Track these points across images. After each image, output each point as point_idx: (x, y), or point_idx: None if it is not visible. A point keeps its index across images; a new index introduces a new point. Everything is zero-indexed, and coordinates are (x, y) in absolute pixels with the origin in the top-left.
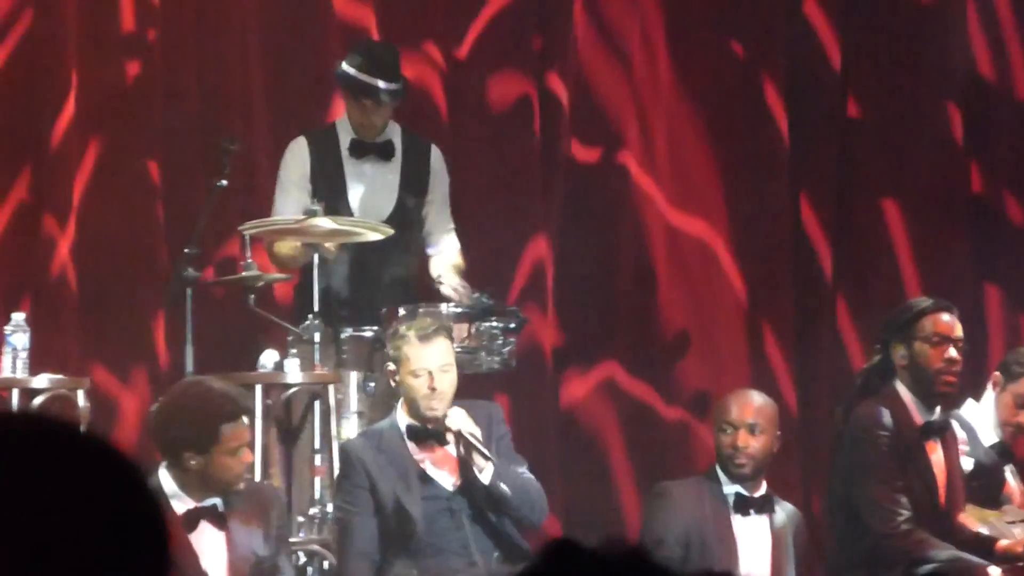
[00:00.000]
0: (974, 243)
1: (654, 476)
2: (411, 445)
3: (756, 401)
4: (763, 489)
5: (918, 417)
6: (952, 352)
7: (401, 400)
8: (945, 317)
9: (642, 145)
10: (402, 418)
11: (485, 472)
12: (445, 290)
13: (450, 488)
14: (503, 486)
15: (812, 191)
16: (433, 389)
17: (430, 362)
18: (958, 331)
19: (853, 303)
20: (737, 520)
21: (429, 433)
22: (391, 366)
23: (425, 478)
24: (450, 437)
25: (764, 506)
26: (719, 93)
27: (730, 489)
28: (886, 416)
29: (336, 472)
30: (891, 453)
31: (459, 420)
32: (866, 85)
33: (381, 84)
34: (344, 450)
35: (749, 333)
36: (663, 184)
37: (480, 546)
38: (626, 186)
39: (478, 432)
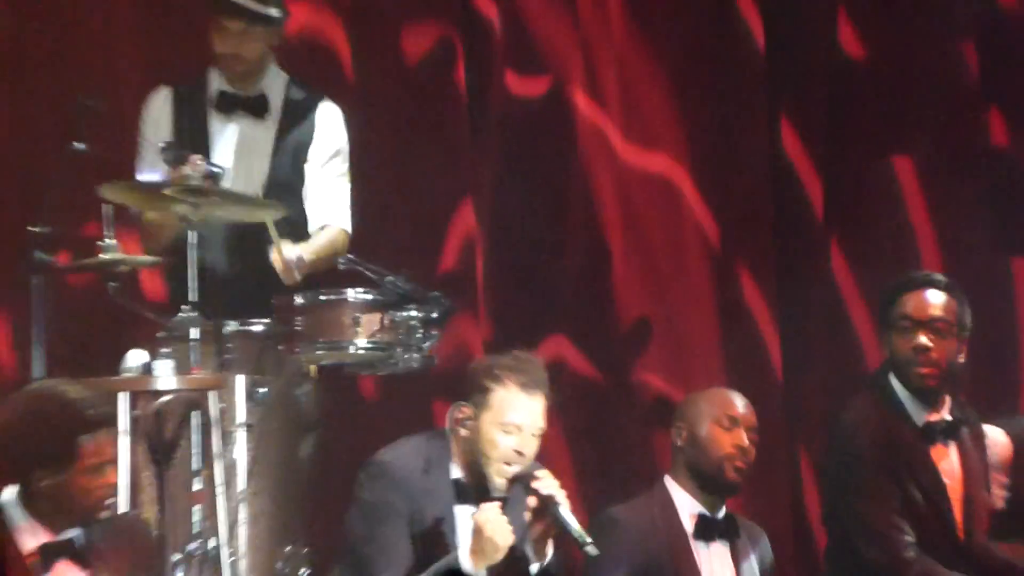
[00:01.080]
0: (994, 205)
1: (607, 491)
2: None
3: (741, 398)
4: (723, 509)
5: (917, 417)
6: (921, 339)
7: (457, 449)
8: (922, 296)
9: (587, 73)
10: (453, 469)
11: (542, 562)
12: (278, 263)
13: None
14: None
15: (797, 121)
16: (520, 454)
17: (527, 419)
18: (934, 310)
19: (851, 250)
20: (699, 548)
21: (481, 492)
22: (465, 409)
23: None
24: (529, 504)
25: (728, 530)
26: (680, 2)
27: (688, 509)
28: (872, 420)
29: (362, 488)
30: (883, 465)
31: (547, 480)
32: (865, 18)
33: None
34: (378, 462)
35: (722, 282)
36: (615, 117)
37: None
38: (571, 124)
39: (566, 505)
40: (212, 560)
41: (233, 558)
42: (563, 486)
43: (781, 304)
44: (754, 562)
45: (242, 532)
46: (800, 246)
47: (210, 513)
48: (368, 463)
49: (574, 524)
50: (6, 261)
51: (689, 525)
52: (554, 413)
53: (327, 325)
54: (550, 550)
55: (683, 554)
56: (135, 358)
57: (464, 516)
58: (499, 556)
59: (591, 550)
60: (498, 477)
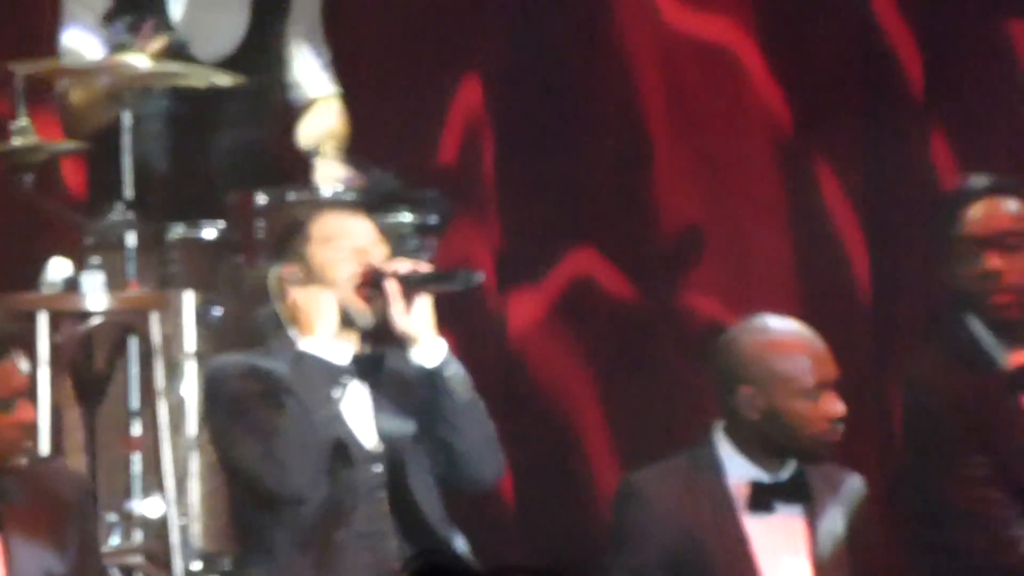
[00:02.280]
0: None
1: (642, 438)
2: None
3: (820, 341)
4: (792, 465)
5: (1000, 360)
6: (991, 261)
7: (291, 324)
8: (986, 206)
9: None
10: (309, 346)
11: (432, 352)
12: (318, 176)
13: (368, 448)
14: (453, 379)
15: None
16: (365, 264)
17: (358, 232)
18: (1002, 222)
19: (957, 140)
20: (753, 521)
21: (357, 362)
22: (287, 267)
23: (339, 426)
24: (390, 289)
25: (796, 491)
26: None
27: (738, 475)
28: (945, 372)
29: (193, 411)
30: (967, 427)
31: (398, 262)
32: None
33: None
34: (214, 365)
35: (796, 180)
36: None
37: (395, 546)
38: None
39: (427, 269)
40: (156, 522)
41: (184, 520)
42: (594, 438)
43: (870, 207)
44: (837, 517)
45: (193, 487)
46: (894, 134)
47: (152, 464)
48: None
49: (442, 273)
50: None
51: (740, 494)
52: (581, 341)
53: None
54: (434, 338)
55: (729, 532)
56: (56, 270)
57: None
58: (327, 314)
59: (473, 277)
60: (355, 300)
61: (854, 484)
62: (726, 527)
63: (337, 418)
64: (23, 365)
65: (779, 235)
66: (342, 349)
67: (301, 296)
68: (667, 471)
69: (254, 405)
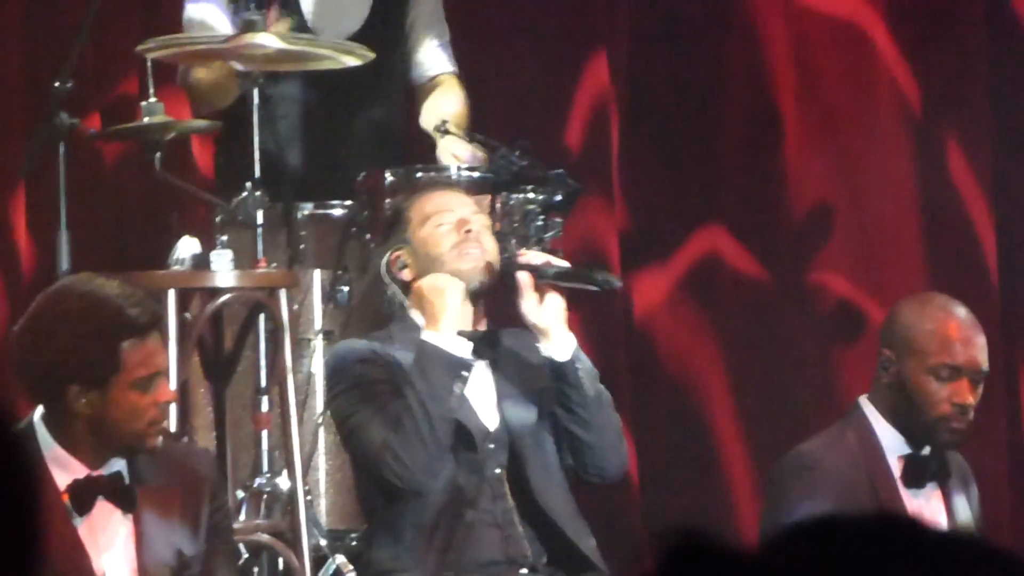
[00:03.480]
0: None
1: (775, 426)
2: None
3: (981, 331)
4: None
5: None
6: None
7: (412, 300)
8: None
9: None
10: (433, 337)
11: (562, 346)
12: (443, 154)
13: (490, 427)
14: (583, 375)
15: None
16: (468, 232)
17: (455, 205)
18: None
19: None
20: (909, 496)
21: (468, 337)
22: (396, 252)
23: (463, 406)
24: (523, 281)
25: (940, 470)
26: None
27: (894, 449)
28: None
29: (321, 389)
30: None
31: (531, 254)
32: None
33: None
34: (338, 349)
35: (925, 158)
36: None
37: (526, 532)
38: None
39: (563, 264)
40: (283, 498)
41: (309, 497)
42: (721, 418)
43: (999, 186)
44: (966, 502)
45: (321, 464)
46: None
47: (280, 441)
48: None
49: (580, 270)
50: (23, 125)
51: (896, 468)
52: (708, 321)
53: None
54: (565, 332)
55: (892, 502)
56: (186, 248)
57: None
58: (453, 307)
59: (613, 281)
60: (466, 262)
61: (965, 464)
62: (889, 499)
63: (458, 406)
64: (165, 345)
65: (907, 213)
66: (464, 343)
67: (427, 285)
68: (830, 442)
69: (375, 392)
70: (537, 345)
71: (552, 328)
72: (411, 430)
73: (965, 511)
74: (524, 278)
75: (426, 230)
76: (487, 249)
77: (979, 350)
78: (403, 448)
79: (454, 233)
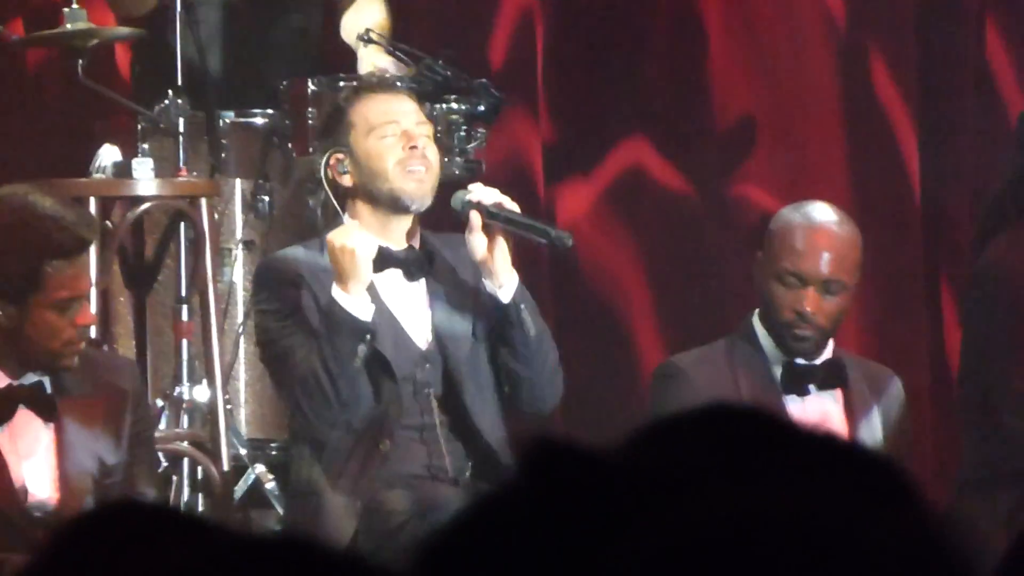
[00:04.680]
0: None
1: (696, 336)
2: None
3: (839, 239)
4: (828, 351)
5: None
6: None
7: (352, 207)
8: None
9: None
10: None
11: (507, 286)
12: (364, 64)
13: (422, 347)
14: (527, 314)
15: None
16: (414, 147)
17: (400, 113)
18: None
19: (1012, 31)
20: (792, 402)
21: (395, 257)
22: (336, 154)
23: (392, 324)
24: (473, 220)
25: (831, 377)
26: None
27: (776, 358)
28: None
29: (242, 298)
30: None
31: (483, 190)
32: None
33: None
34: (268, 261)
35: (849, 71)
36: None
37: (450, 447)
38: None
39: (515, 206)
40: (203, 408)
41: (230, 406)
42: (643, 330)
43: (922, 100)
44: (876, 415)
45: (241, 374)
46: (948, 26)
47: (201, 350)
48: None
49: (535, 222)
50: None
51: (777, 375)
52: (631, 233)
53: None
54: (510, 272)
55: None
56: (108, 155)
57: (390, 283)
58: (363, 268)
59: (564, 238)
60: (408, 182)
61: (894, 384)
62: (766, 402)
63: (361, 366)
64: (93, 270)
65: (831, 126)
66: (369, 306)
67: (339, 244)
68: (707, 353)
69: (294, 323)
70: (482, 281)
71: (498, 268)
72: (314, 386)
73: (871, 419)
74: (475, 217)
75: (370, 140)
76: (431, 165)
77: (828, 261)
78: (306, 400)
79: (399, 147)
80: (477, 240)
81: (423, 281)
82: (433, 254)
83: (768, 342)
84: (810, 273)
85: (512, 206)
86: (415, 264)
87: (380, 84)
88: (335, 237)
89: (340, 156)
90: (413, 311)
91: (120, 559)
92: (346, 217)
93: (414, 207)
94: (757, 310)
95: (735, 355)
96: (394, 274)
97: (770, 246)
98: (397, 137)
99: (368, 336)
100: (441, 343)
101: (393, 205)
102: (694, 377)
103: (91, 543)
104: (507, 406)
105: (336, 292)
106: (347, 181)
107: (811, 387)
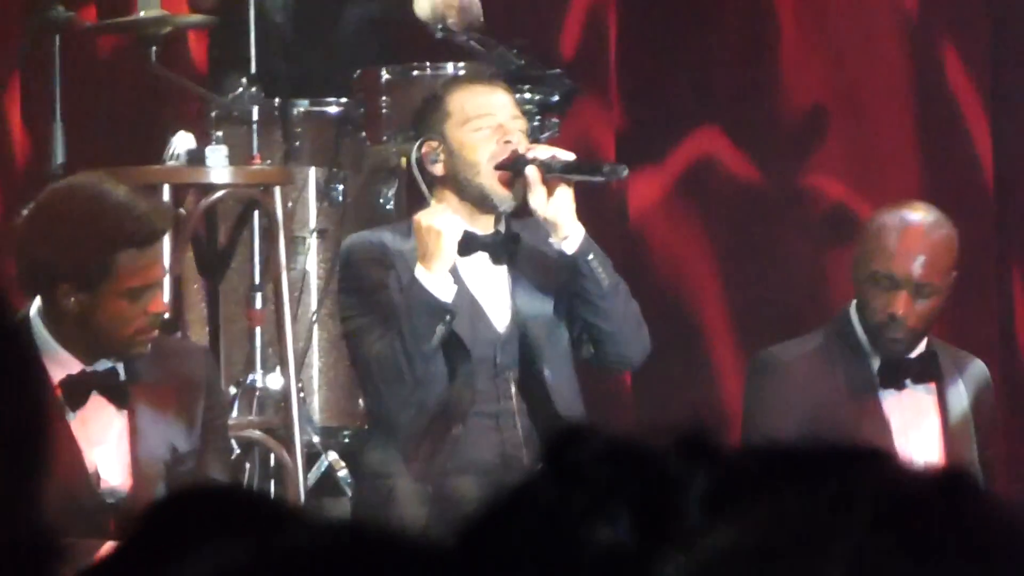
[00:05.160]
0: None
1: (766, 327)
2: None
3: (932, 241)
4: (923, 346)
5: None
6: None
7: (439, 194)
8: None
9: None
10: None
11: (572, 237)
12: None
13: (501, 330)
14: (596, 265)
15: None
16: (508, 143)
17: (496, 107)
18: None
19: None
20: (888, 397)
21: (480, 240)
22: (429, 142)
23: (473, 307)
24: (531, 176)
25: (926, 371)
26: None
27: (873, 352)
28: None
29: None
30: None
31: (538, 148)
32: None
33: None
34: (354, 241)
35: (921, 62)
36: None
37: (527, 435)
38: None
39: (569, 155)
40: (276, 395)
41: (303, 394)
42: (713, 320)
43: (996, 91)
44: (964, 398)
45: (314, 361)
46: (1021, 15)
47: (274, 338)
48: None
49: (587, 162)
50: (19, 17)
51: (873, 370)
52: (702, 221)
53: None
54: (575, 224)
55: (868, 403)
56: (181, 143)
57: (474, 267)
58: (447, 249)
59: (619, 170)
60: (496, 185)
61: (978, 368)
62: (864, 400)
63: (439, 345)
64: (167, 257)
65: (903, 117)
66: (451, 286)
67: (425, 224)
68: (804, 344)
69: (376, 301)
70: (549, 239)
71: (562, 220)
72: (389, 364)
73: (960, 406)
74: (532, 173)
75: (465, 131)
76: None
77: (920, 264)
78: (381, 378)
79: (492, 141)
80: (538, 196)
81: (505, 266)
82: (518, 237)
83: (865, 336)
84: (902, 276)
85: (567, 156)
86: (501, 247)
87: (479, 76)
88: (423, 217)
89: (433, 144)
90: (495, 295)
91: (197, 544)
92: (433, 202)
93: (503, 207)
94: (854, 302)
95: (832, 349)
96: (479, 258)
97: (864, 246)
98: (492, 130)
99: (448, 317)
100: (522, 324)
101: (481, 202)
102: (794, 371)
103: (168, 530)
104: (586, 382)
105: (419, 271)
106: (438, 170)
107: (907, 381)
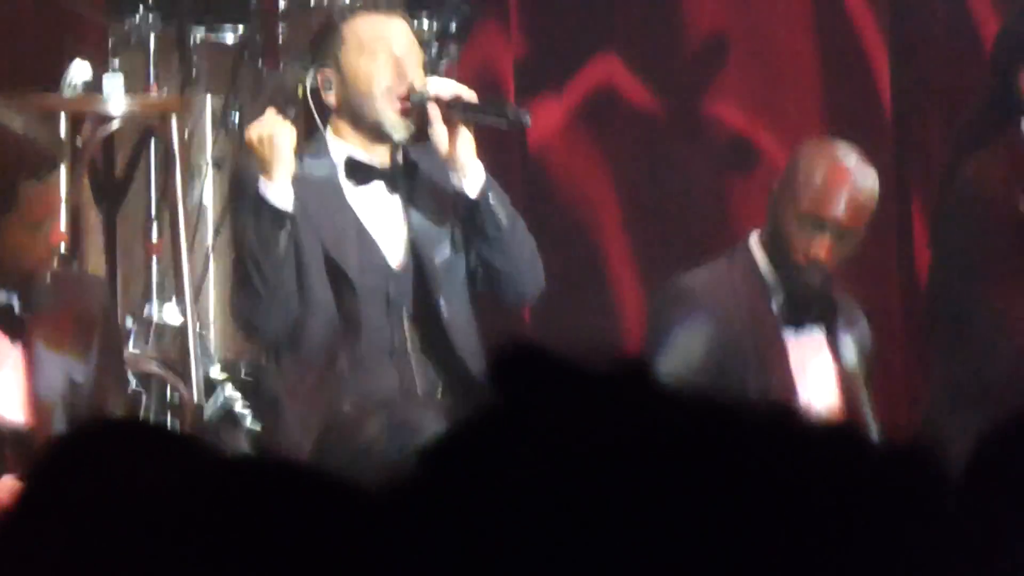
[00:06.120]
0: None
1: (668, 257)
2: (347, 187)
3: (860, 188)
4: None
5: None
6: None
7: (331, 123)
8: None
9: None
10: (337, 147)
11: (472, 177)
12: None
13: (394, 265)
14: (496, 205)
15: None
16: (402, 75)
17: (392, 36)
18: None
19: None
20: (788, 334)
21: (376, 171)
22: (323, 70)
23: (363, 239)
24: (433, 114)
25: (824, 315)
26: None
27: (775, 288)
28: (1004, 178)
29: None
30: (1020, 235)
31: (441, 84)
32: None
33: None
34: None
35: None
36: None
37: (421, 368)
38: None
39: (473, 96)
40: (173, 328)
41: (199, 326)
42: (615, 248)
43: (893, 17)
44: (852, 349)
45: (211, 292)
46: None
47: (172, 268)
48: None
49: (492, 105)
50: None
51: (775, 305)
52: (602, 150)
53: None
54: (475, 163)
55: (770, 338)
56: (79, 72)
57: (367, 198)
58: (282, 156)
59: (522, 116)
60: (390, 112)
61: (864, 323)
62: (766, 332)
63: (285, 254)
64: (63, 185)
65: (804, 45)
66: (288, 192)
67: (257, 134)
68: (712, 272)
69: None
70: (449, 175)
71: (463, 160)
72: (242, 277)
73: (850, 352)
74: (433, 110)
75: (362, 60)
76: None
77: (850, 209)
78: (239, 287)
79: (389, 70)
80: (439, 133)
81: (399, 196)
82: (416, 167)
83: (769, 271)
84: (829, 220)
85: (470, 96)
86: (398, 176)
87: (376, 3)
88: (252, 128)
89: (327, 72)
90: (388, 227)
91: (103, 478)
92: (328, 132)
93: (396, 136)
94: (756, 232)
95: (735, 280)
96: (374, 188)
97: (789, 182)
98: (388, 59)
99: (287, 223)
100: (417, 255)
101: (376, 131)
102: (702, 296)
103: (73, 465)
104: (482, 314)
105: (260, 182)
106: (332, 99)
107: (805, 320)
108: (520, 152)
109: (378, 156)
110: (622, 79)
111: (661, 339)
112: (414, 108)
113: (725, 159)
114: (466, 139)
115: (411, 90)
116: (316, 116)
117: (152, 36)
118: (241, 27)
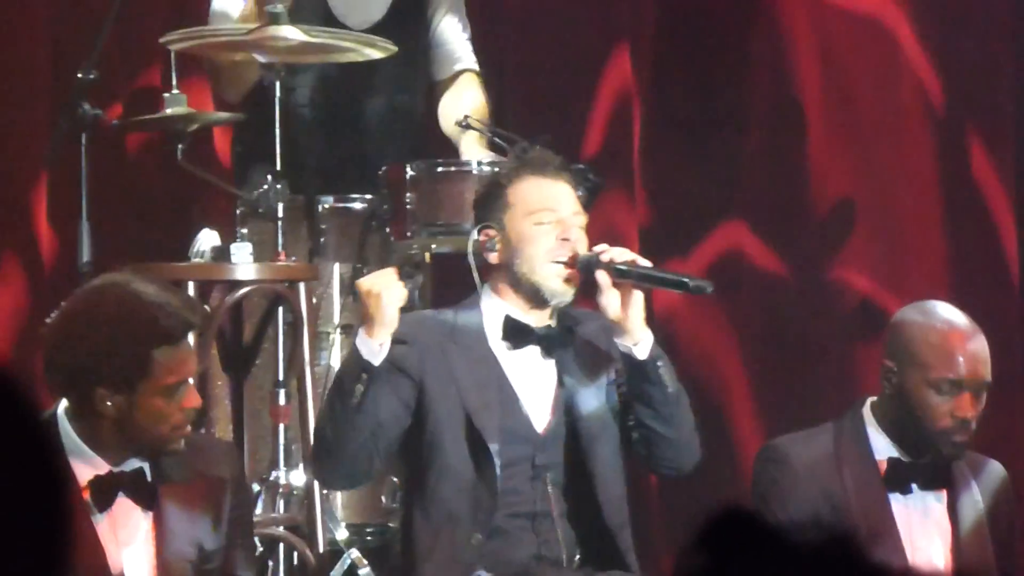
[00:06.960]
0: None
1: (793, 422)
2: (499, 348)
3: (978, 341)
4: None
5: None
6: None
7: (492, 283)
8: None
9: None
10: (493, 306)
11: (643, 343)
12: (467, 149)
13: (540, 430)
14: (664, 370)
15: None
16: (566, 240)
17: (559, 202)
18: None
19: None
20: (895, 501)
21: (534, 333)
22: (486, 231)
23: (510, 405)
24: (602, 279)
25: (936, 477)
26: None
27: (883, 451)
28: None
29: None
30: None
31: (613, 250)
32: None
33: None
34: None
35: (948, 155)
36: None
37: (565, 535)
38: None
39: (647, 262)
40: (299, 492)
41: (326, 490)
42: (740, 413)
43: (1020, 182)
44: (977, 502)
45: None
46: None
47: (298, 434)
48: None
49: (669, 274)
50: (47, 115)
51: (880, 470)
52: (729, 317)
53: (445, 203)
54: (645, 329)
55: (875, 504)
56: (207, 240)
57: (520, 360)
58: (386, 314)
59: (704, 286)
60: (554, 279)
61: (995, 470)
62: (871, 497)
63: (359, 406)
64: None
65: (930, 210)
66: (376, 345)
67: (365, 287)
68: (811, 437)
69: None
70: (616, 341)
71: (633, 325)
72: (321, 415)
73: (973, 513)
74: (602, 277)
75: (526, 224)
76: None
77: (981, 363)
78: (315, 444)
79: (552, 236)
80: (610, 299)
81: (556, 363)
82: (573, 332)
83: (878, 437)
84: (970, 378)
85: (644, 262)
86: (555, 340)
87: (541, 166)
88: (363, 281)
89: (491, 232)
90: (539, 391)
91: None
92: (486, 290)
93: (555, 301)
94: (869, 401)
95: (841, 445)
96: (528, 352)
97: (913, 353)
98: (552, 224)
99: (365, 376)
100: (572, 422)
101: (534, 295)
102: (794, 459)
103: None
104: (633, 478)
105: (359, 334)
106: (493, 259)
107: (914, 486)
108: (647, 316)
109: (534, 318)
110: (749, 245)
111: (755, 501)
112: (583, 274)
113: (852, 325)
114: (638, 305)
115: (576, 255)
116: (475, 274)
117: (280, 205)
118: (369, 195)
